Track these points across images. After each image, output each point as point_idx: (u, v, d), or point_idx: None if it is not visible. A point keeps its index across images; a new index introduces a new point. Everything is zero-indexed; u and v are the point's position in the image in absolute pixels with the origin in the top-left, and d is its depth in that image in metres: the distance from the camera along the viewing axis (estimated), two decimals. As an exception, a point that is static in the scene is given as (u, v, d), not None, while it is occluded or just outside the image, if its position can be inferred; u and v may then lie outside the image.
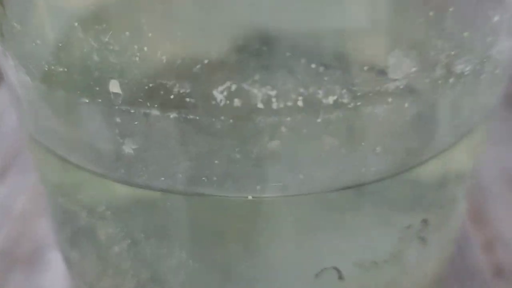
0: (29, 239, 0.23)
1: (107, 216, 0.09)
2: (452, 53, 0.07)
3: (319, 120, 0.07)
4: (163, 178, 0.08)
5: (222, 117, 0.07)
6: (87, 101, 0.08)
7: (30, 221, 0.24)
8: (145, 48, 0.07)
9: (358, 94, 0.07)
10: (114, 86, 0.07)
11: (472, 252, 0.21)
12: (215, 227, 0.09)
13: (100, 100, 0.07)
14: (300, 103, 0.07)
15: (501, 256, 0.21)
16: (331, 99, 0.07)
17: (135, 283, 0.10)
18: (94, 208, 0.09)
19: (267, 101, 0.07)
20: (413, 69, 0.07)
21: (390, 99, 0.07)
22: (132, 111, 0.07)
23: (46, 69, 0.08)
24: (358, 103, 0.07)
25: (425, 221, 0.09)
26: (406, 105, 0.07)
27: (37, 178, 0.12)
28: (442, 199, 0.10)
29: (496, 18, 0.08)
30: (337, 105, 0.07)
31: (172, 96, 0.07)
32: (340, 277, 0.09)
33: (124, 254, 0.09)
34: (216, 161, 0.08)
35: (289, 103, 0.07)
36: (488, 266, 0.20)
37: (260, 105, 0.07)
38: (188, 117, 0.07)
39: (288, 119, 0.07)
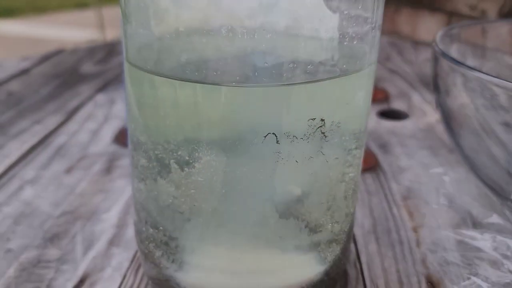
0: (85, 207, 0.31)
1: (181, 106, 0.18)
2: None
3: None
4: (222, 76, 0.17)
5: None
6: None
7: (86, 197, 0.33)
8: None
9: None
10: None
11: (406, 232, 0.29)
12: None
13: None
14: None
15: (420, 234, 0.29)
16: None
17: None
18: (172, 104, 0.18)
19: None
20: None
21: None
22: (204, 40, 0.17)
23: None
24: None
25: (323, 120, 0.18)
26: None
27: (130, 96, 0.21)
28: (336, 108, 0.19)
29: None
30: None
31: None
32: (277, 142, 0.18)
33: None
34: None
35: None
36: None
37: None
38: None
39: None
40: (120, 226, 0.30)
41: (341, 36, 0.18)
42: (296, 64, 0.17)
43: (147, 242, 0.22)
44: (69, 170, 0.37)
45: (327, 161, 0.19)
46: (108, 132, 0.44)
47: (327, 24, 0.17)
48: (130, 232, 0.30)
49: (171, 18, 0.18)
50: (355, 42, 0.19)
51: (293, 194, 0.19)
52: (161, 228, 0.21)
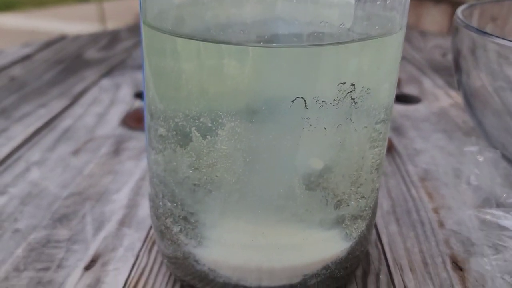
0: (94, 188, 0.30)
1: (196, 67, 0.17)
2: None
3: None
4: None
5: None
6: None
7: (95, 178, 0.32)
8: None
9: None
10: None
11: (427, 212, 0.28)
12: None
13: None
14: None
15: (442, 215, 0.28)
16: None
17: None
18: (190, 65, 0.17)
19: None
20: None
21: None
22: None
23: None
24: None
25: (353, 85, 0.17)
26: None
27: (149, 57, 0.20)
28: (367, 73, 0.18)
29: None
30: None
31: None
32: (306, 106, 0.17)
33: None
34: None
35: None
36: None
37: None
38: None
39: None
40: (131, 207, 0.29)
41: (373, -4, 0.17)
42: (327, 24, 0.16)
43: (164, 218, 0.21)
44: (76, 152, 0.36)
45: (356, 130, 0.18)
46: (115, 116, 0.43)
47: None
48: (141, 213, 0.29)
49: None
50: (387, 2, 0.18)
51: (318, 165, 0.18)
52: (179, 202, 0.20)
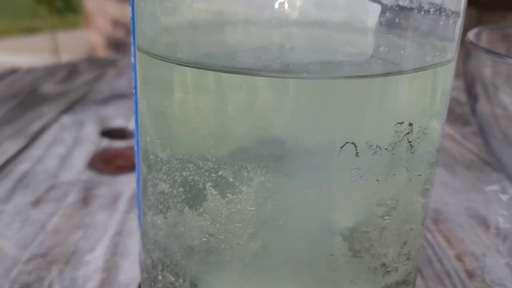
0: (61, 247, 0.25)
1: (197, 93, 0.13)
2: None
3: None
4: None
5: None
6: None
7: (61, 235, 0.27)
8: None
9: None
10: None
11: (450, 261, 0.25)
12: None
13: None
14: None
15: (467, 263, 0.25)
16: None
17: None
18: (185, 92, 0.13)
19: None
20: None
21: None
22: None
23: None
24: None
25: (411, 125, 0.14)
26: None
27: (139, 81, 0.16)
28: (424, 109, 0.14)
29: None
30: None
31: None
32: (357, 154, 0.13)
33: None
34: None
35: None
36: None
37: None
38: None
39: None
40: (109, 269, 0.24)
41: (432, 23, 0.14)
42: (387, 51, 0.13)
43: (164, 295, 0.16)
44: (36, 203, 0.31)
45: (410, 179, 0.15)
46: (80, 157, 0.38)
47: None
48: (123, 278, 0.24)
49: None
50: (442, 30, 0.14)
51: (367, 226, 0.15)
52: (187, 276, 0.15)
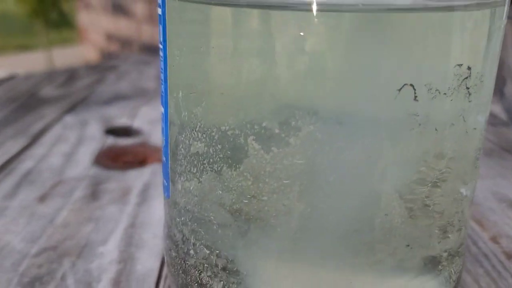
0: (72, 240, 0.24)
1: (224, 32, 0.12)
2: None
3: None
4: None
5: None
6: None
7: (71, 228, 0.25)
8: None
9: None
10: None
11: (486, 243, 0.24)
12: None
13: None
14: None
15: (504, 245, 0.23)
16: None
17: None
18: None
19: None
20: None
21: None
22: None
23: None
24: None
25: (469, 69, 0.13)
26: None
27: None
28: (482, 53, 0.13)
29: None
30: None
31: None
32: (415, 97, 0.12)
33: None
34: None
35: None
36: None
37: None
38: None
39: None
40: (124, 260, 0.23)
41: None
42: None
43: (197, 272, 0.15)
44: (42, 198, 0.29)
45: (467, 132, 0.14)
46: (86, 155, 0.36)
47: None
48: (140, 268, 0.22)
49: None
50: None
51: (425, 182, 0.13)
52: (223, 248, 0.14)
